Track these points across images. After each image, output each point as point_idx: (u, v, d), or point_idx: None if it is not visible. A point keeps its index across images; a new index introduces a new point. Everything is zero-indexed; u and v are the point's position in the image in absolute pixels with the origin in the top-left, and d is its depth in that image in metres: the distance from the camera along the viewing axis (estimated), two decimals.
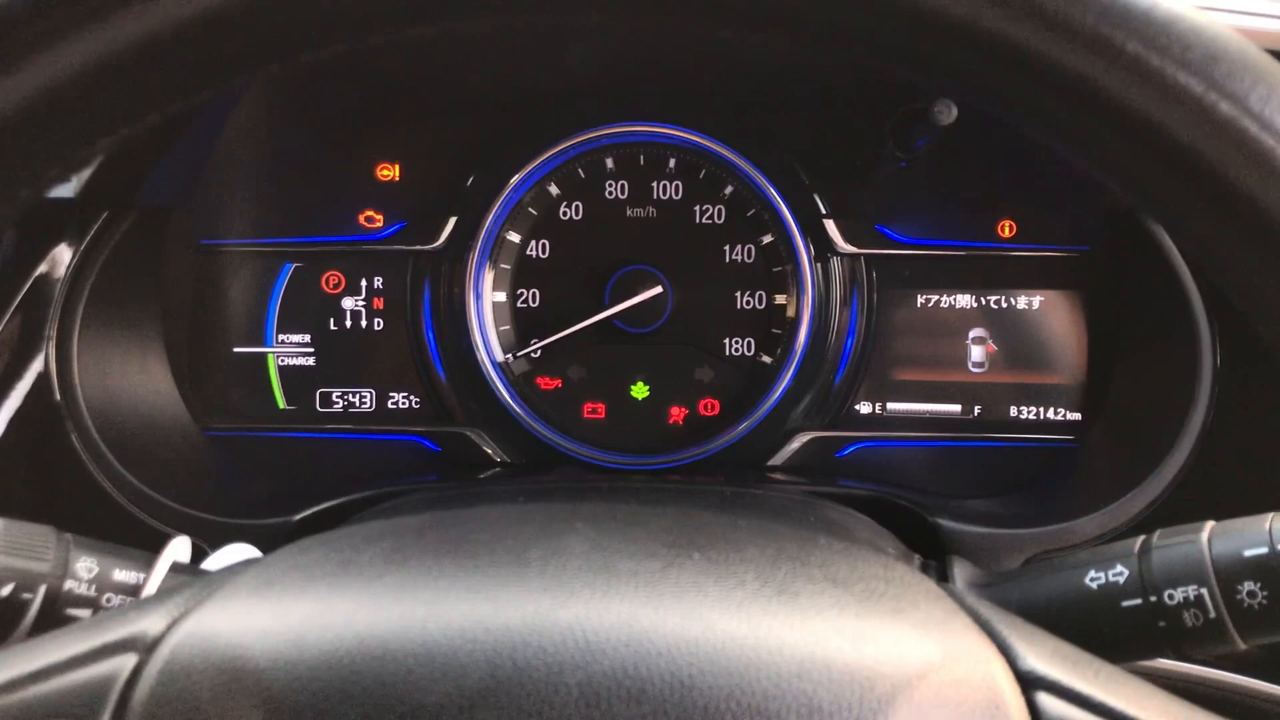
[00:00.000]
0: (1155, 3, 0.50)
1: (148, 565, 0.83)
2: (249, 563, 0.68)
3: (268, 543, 1.09)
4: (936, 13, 0.50)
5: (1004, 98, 0.55)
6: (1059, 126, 0.55)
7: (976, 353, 1.36)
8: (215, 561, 0.93)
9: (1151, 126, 0.51)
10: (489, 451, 1.37)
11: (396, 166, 1.38)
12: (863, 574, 0.66)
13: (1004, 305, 1.35)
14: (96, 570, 0.81)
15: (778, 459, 1.36)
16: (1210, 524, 0.74)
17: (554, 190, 1.37)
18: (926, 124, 1.11)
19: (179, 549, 0.86)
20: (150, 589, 0.82)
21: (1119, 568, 0.75)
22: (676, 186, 1.37)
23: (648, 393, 1.38)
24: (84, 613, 0.80)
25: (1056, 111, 0.53)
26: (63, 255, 1.19)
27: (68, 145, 0.56)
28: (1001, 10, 0.50)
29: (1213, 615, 0.70)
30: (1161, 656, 0.74)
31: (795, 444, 1.36)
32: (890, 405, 1.37)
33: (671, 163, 1.37)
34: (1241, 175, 0.50)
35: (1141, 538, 0.75)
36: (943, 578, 0.86)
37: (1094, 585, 0.75)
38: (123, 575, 0.82)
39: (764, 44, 0.55)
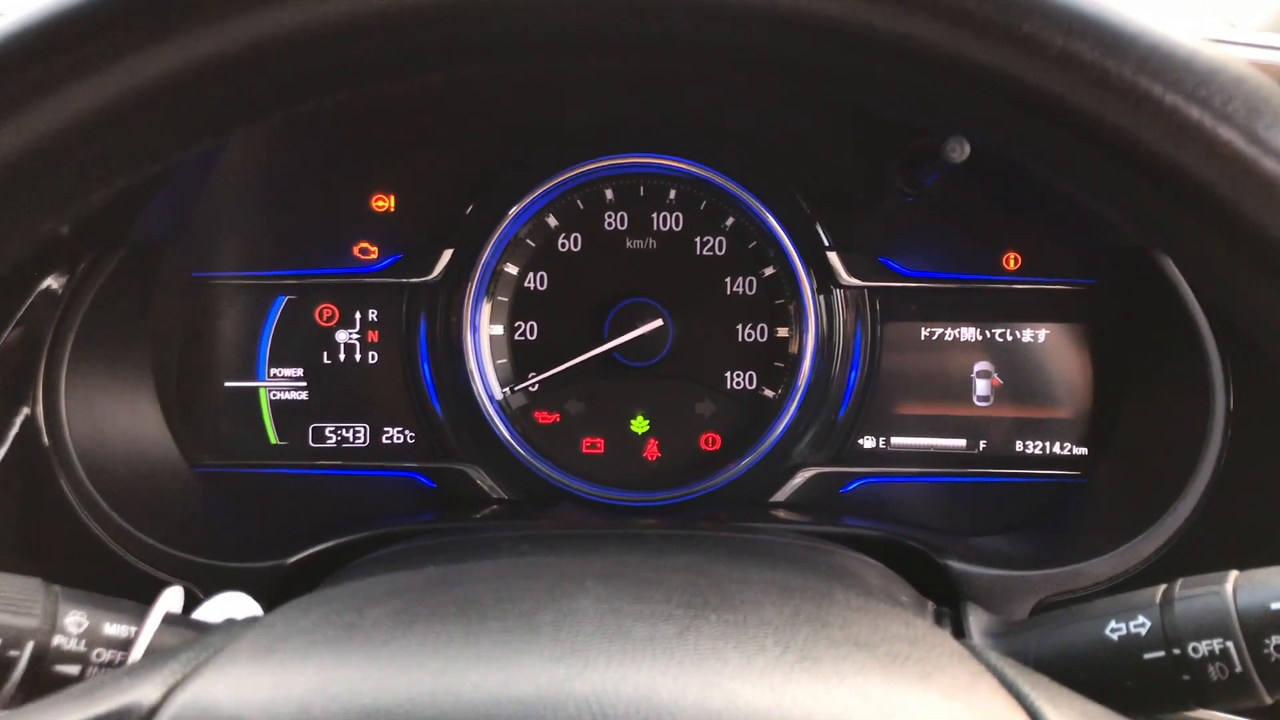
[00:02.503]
0: (1195, 52, 0.48)
1: (139, 618, 0.81)
2: (247, 624, 0.65)
3: (262, 588, 1.07)
4: (971, 66, 0.48)
5: (1035, 149, 0.53)
6: (1090, 178, 0.53)
7: (981, 386, 1.34)
8: (207, 611, 0.91)
9: (1189, 180, 0.49)
10: (485, 488, 1.34)
11: (391, 197, 1.36)
12: (885, 634, 0.64)
13: (1009, 338, 1.34)
14: (86, 624, 0.79)
15: (780, 495, 1.34)
16: (1234, 574, 0.73)
17: (552, 222, 1.35)
18: (937, 161, 1.09)
19: (171, 600, 0.84)
20: (142, 643, 0.79)
21: (1140, 619, 0.73)
22: (677, 218, 1.35)
23: (648, 427, 1.36)
24: (73, 669, 0.77)
25: (1088, 162, 0.52)
26: (51, 294, 1.16)
27: (61, 198, 0.54)
28: (1038, 63, 0.48)
29: (1239, 670, 0.69)
30: (1184, 710, 0.72)
31: (798, 480, 1.34)
32: (894, 440, 1.35)
33: (672, 194, 1.35)
34: None
35: (1163, 587, 0.74)
36: (958, 626, 0.84)
37: (1115, 636, 0.74)
38: (113, 629, 0.80)
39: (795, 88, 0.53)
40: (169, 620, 0.82)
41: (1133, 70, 0.47)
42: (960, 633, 0.83)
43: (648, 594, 0.63)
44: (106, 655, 0.78)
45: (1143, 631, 0.72)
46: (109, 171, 0.54)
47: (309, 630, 0.62)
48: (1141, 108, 0.48)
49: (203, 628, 0.86)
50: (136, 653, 0.79)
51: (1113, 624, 0.74)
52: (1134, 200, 0.52)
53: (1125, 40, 0.48)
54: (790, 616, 0.63)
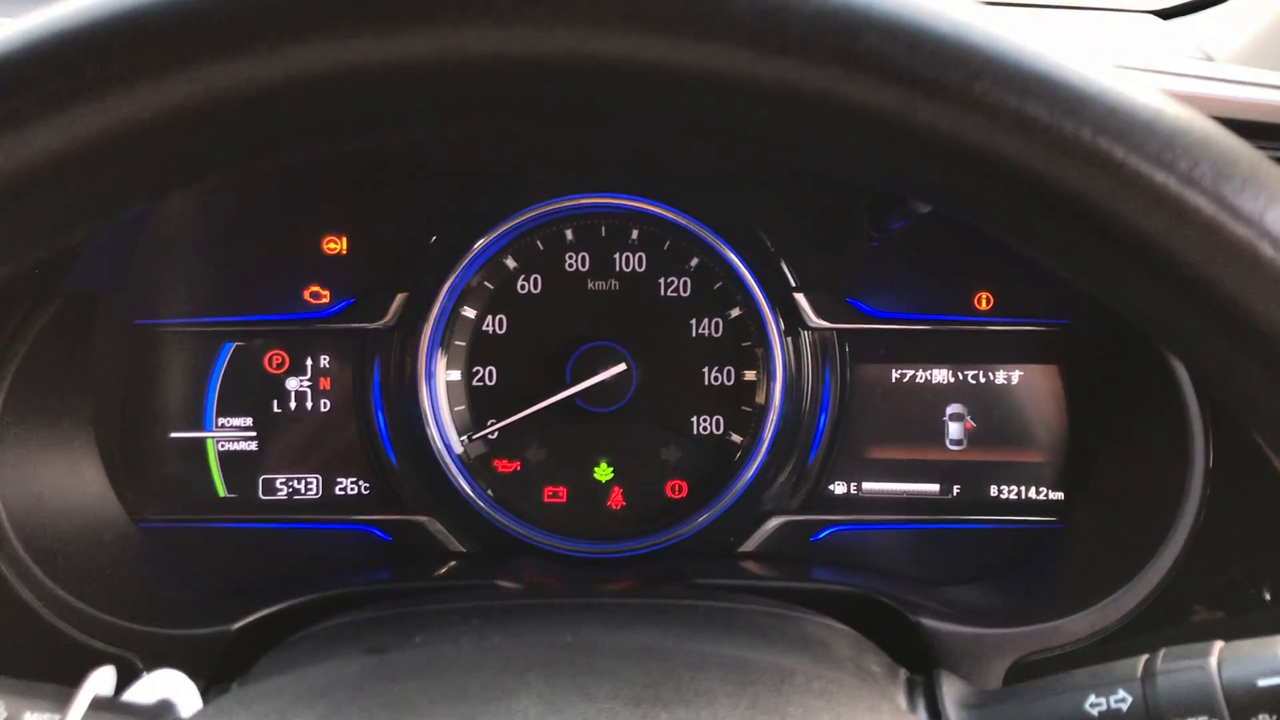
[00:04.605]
0: (1159, 112, 0.45)
1: (64, 703, 0.76)
2: None
3: (205, 657, 1.03)
4: (919, 131, 0.44)
5: (990, 216, 0.50)
6: (1051, 247, 0.50)
7: (954, 430, 1.31)
8: (140, 692, 0.86)
9: (1155, 249, 0.46)
10: (443, 540, 1.30)
11: (343, 239, 1.31)
12: None
13: (982, 380, 1.30)
14: (4, 714, 0.74)
15: (749, 545, 1.30)
16: (1219, 645, 0.71)
17: (511, 263, 1.31)
18: (903, 208, 1.06)
19: (99, 682, 0.79)
20: None
21: (1121, 693, 0.71)
22: (640, 258, 1.31)
23: (611, 475, 1.32)
24: None
25: (1049, 231, 0.48)
26: None
27: None
28: (990, 126, 0.44)
29: None
30: None
31: (768, 528, 1.30)
32: (866, 485, 1.31)
33: (634, 234, 1.31)
34: (1258, 301, 0.45)
35: (1144, 659, 0.72)
36: (931, 697, 0.80)
37: (1095, 712, 0.72)
38: (35, 719, 0.75)
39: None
40: (97, 705, 0.78)
41: (1091, 133, 0.44)
42: (934, 705, 0.79)
43: (594, 689, 0.59)
44: None
45: (1124, 707, 0.70)
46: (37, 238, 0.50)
47: None
48: (1102, 173, 0.44)
49: (133, 711, 0.81)
50: None
51: (1092, 698, 0.71)
52: (1097, 269, 0.49)
53: (1084, 100, 0.44)
54: (747, 709, 0.59)
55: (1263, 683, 0.66)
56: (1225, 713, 0.66)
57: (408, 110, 0.46)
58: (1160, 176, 0.44)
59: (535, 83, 0.45)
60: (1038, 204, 0.46)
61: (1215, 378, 0.50)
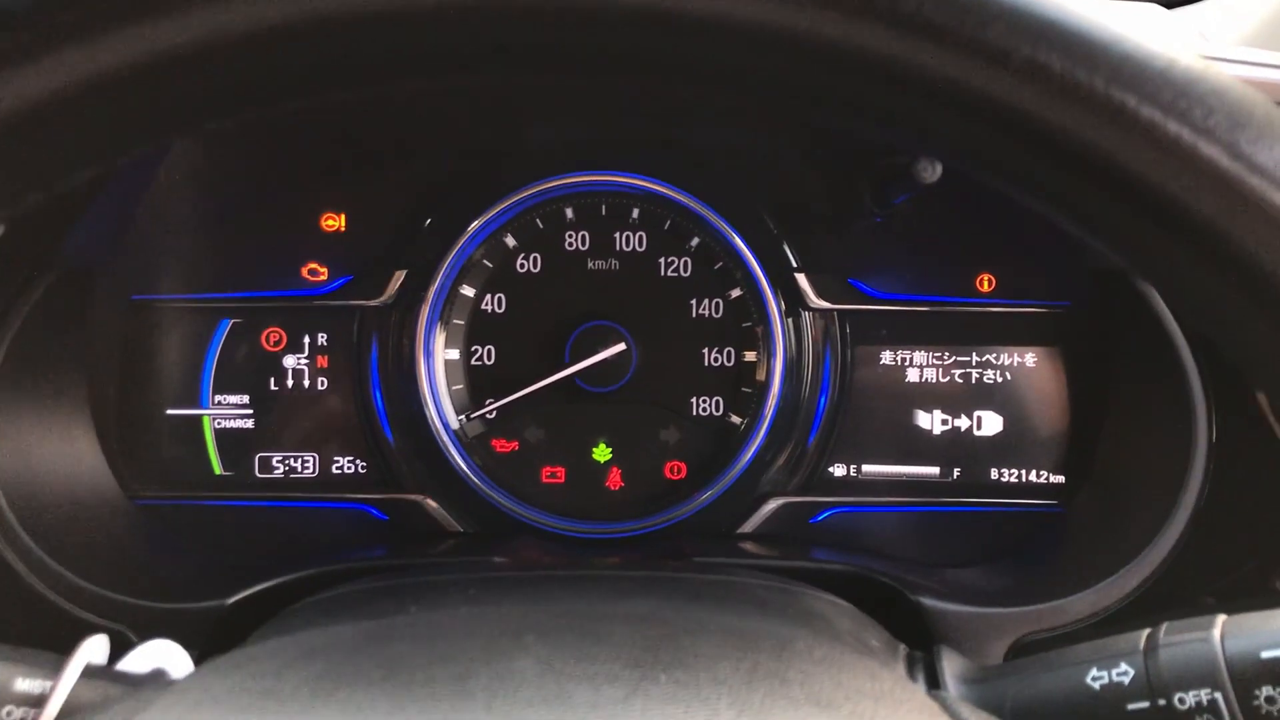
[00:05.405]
0: (1173, 61, 0.45)
1: (56, 671, 0.75)
2: (159, 691, 0.60)
3: (199, 630, 1.02)
4: (932, 78, 0.44)
5: (1002, 168, 0.49)
6: (1061, 198, 0.49)
7: (954, 412, 1.30)
8: (133, 662, 0.85)
9: (1168, 200, 0.45)
10: (440, 520, 1.29)
11: (342, 216, 1.30)
12: (849, 691, 0.60)
13: (983, 362, 1.30)
14: None
15: (748, 526, 1.29)
16: (1221, 619, 0.70)
17: (510, 241, 1.30)
18: (907, 181, 1.05)
19: (91, 650, 0.78)
20: (57, 700, 0.74)
21: (1123, 666, 0.70)
22: (640, 238, 1.31)
23: (610, 455, 1.31)
24: None
25: (1059, 182, 0.48)
26: None
27: None
28: (1003, 74, 0.44)
29: None
30: None
31: (766, 509, 1.29)
32: (865, 467, 1.31)
33: (635, 213, 1.30)
34: (1271, 254, 0.45)
35: (1146, 632, 0.71)
36: (931, 671, 0.80)
37: (1096, 685, 0.71)
38: (26, 685, 0.74)
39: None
40: (90, 673, 0.77)
41: (1105, 81, 0.43)
42: (934, 679, 0.79)
43: (593, 651, 0.59)
44: (18, 714, 0.73)
45: (1126, 680, 0.69)
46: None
47: (223, 698, 0.57)
48: (1115, 122, 0.44)
49: (127, 680, 0.80)
50: (51, 710, 0.73)
51: (1094, 672, 0.71)
52: (1108, 222, 0.48)
53: (1097, 49, 0.44)
54: (747, 674, 0.59)
55: (1266, 655, 0.66)
56: (1228, 685, 0.65)
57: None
58: (1174, 126, 0.44)
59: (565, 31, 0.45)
60: (1050, 155, 0.46)
61: (1225, 334, 0.50)
